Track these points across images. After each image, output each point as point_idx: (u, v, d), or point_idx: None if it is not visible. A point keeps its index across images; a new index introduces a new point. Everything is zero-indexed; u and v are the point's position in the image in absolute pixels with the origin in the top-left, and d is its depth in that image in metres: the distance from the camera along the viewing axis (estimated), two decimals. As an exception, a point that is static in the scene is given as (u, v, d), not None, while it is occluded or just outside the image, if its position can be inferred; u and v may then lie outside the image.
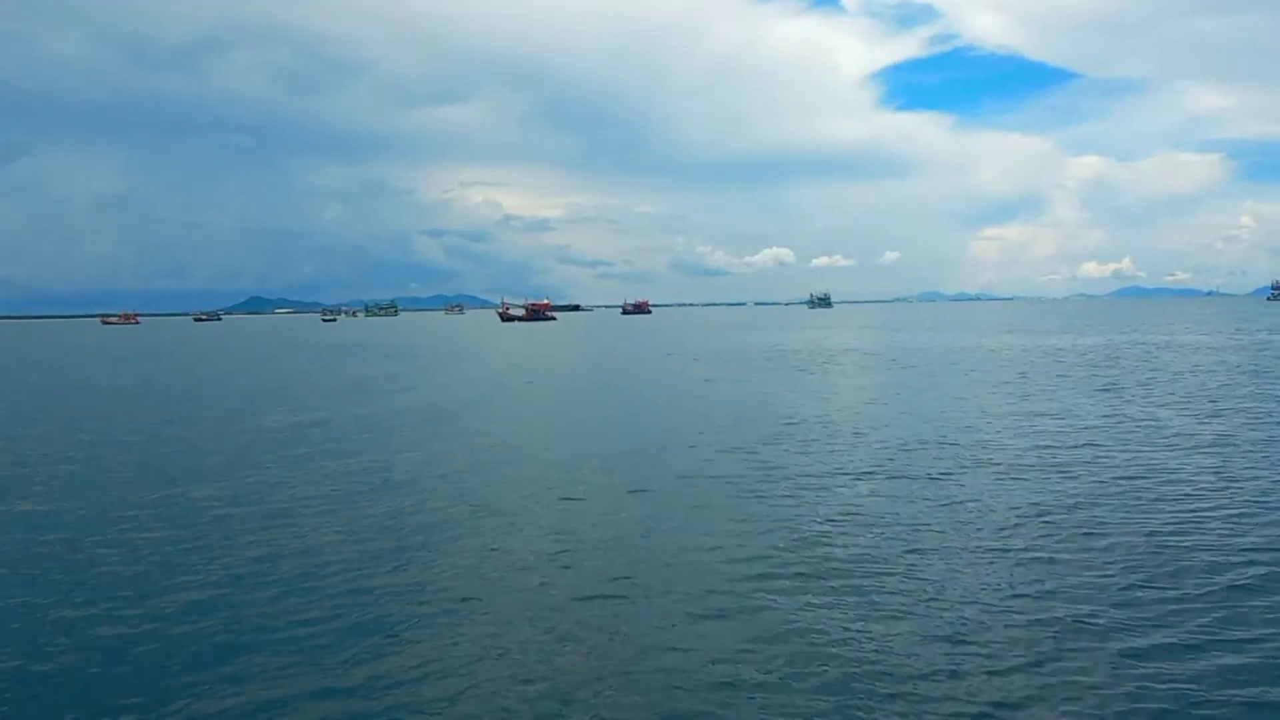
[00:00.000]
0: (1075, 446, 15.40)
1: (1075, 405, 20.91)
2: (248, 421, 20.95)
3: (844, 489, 12.11)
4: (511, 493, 12.67)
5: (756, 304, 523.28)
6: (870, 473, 13.29)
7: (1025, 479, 12.40)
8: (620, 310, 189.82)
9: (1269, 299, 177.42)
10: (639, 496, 12.11)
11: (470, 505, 11.68)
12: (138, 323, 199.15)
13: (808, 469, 13.43)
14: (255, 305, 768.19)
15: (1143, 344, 47.30)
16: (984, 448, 15.12)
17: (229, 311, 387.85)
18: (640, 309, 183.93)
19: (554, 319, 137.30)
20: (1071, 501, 11.00)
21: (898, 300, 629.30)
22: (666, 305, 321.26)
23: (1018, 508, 10.71)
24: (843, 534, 9.66)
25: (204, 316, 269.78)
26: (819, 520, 10.28)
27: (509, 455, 16.29)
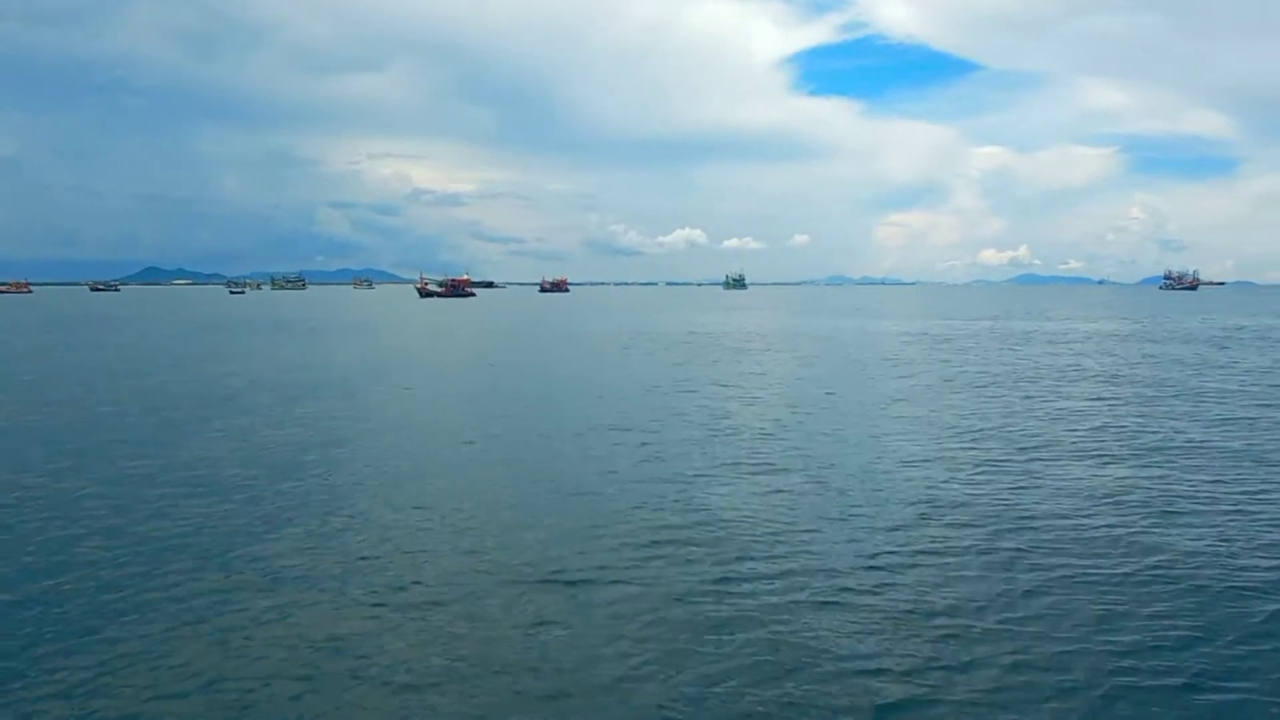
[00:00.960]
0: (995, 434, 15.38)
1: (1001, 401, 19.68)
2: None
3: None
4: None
5: (668, 284, 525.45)
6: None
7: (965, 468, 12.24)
8: (538, 288, 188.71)
9: (1161, 288, 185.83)
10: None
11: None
12: (29, 291, 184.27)
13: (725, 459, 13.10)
14: (152, 276, 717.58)
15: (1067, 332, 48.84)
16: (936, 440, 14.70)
17: (124, 282, 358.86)
18: (558, 287, 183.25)
19: (474, 295, 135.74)
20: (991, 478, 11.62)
21: (806, 283, 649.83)
22: (579, 284, 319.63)
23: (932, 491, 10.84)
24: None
25: (101, 286, 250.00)
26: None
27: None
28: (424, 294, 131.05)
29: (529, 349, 39.80)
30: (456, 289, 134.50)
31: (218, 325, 59.05)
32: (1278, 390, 21.55)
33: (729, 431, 15.93)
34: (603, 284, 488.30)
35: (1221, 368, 27.69)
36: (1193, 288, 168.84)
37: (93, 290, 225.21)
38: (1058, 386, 22.95)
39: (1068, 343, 40.50)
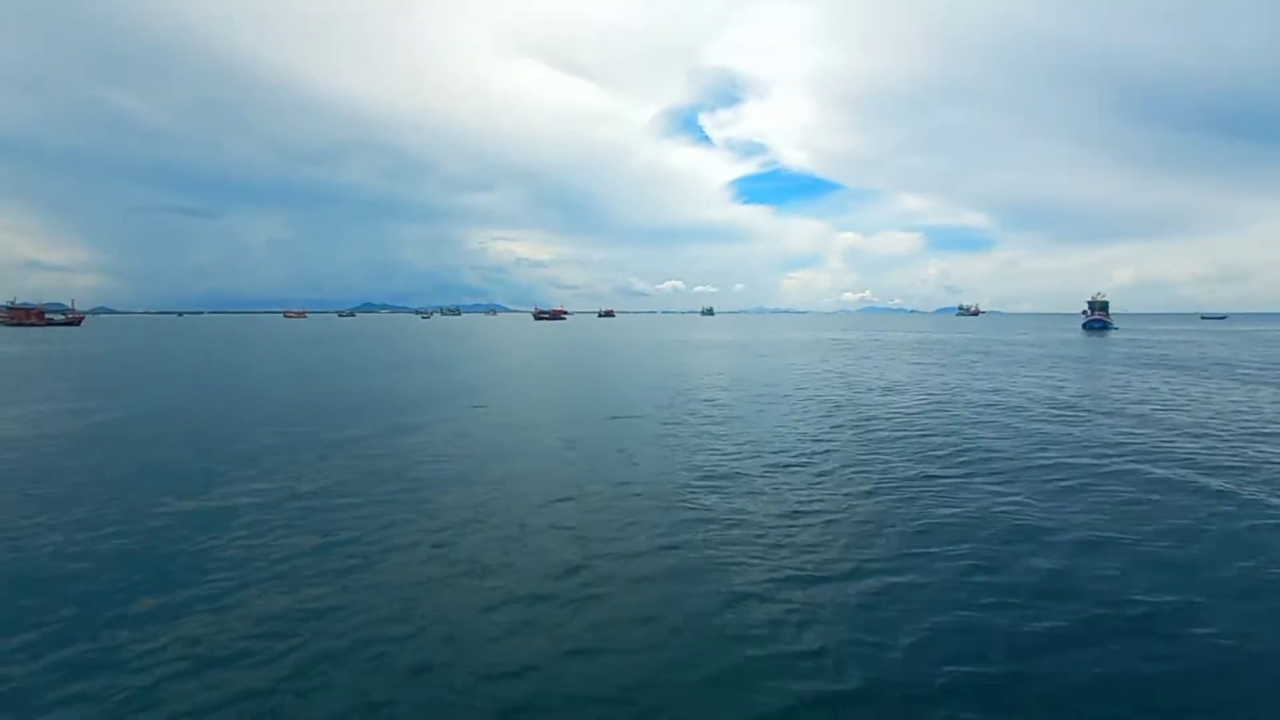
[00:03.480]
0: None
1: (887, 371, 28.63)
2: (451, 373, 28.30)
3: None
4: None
5: (664, 312, 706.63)
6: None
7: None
8: (597, 314, 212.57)
9: (958, 315, 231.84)
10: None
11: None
12: (305, 317, 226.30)
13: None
14: (367, 307, 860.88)
15: (896, 339, 69.74)
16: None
17: (352, 312, 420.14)
18: (609, 314, 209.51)
19: (565, 319, 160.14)
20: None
21: (741, 311, 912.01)
22: (623, 312, 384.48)
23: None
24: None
25: (345, 314, 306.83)
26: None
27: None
28: (537, 318, 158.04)
29: (629, 343, 52.39)
30: (556, 315, 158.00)
31: (432, 334, 77.68)
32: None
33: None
34: (626, 312, 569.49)
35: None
36: (976, 314, 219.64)
37: (339, 316, 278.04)
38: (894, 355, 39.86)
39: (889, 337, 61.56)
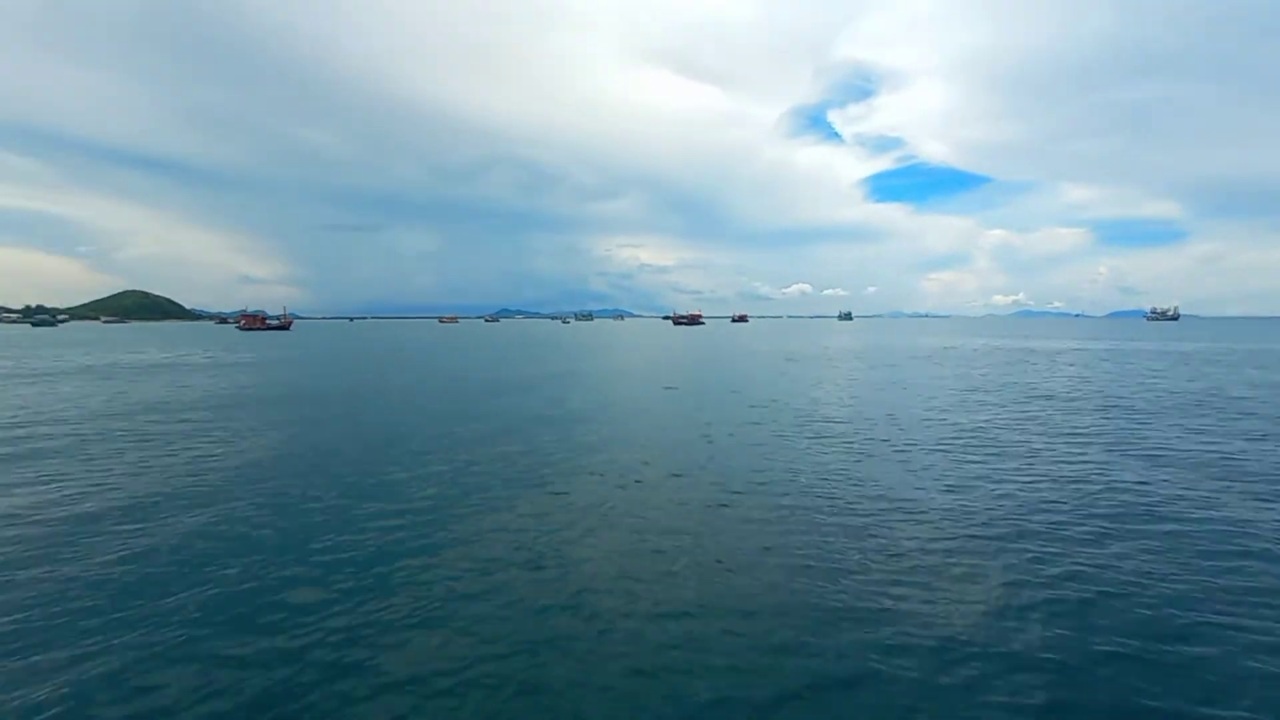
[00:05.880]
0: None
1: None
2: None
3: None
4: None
5: (790, 316, 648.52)
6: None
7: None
8: (730, 319, 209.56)
9: (1148, 319, 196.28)
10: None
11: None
12: (457, 322, 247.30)
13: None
14: (504, 313, 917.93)
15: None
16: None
17: (495, 317, 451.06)
18: (741, 319, 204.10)
19: (703, 324, 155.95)
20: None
21: (876, 315, 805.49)
22: (725, 317, 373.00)
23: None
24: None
25: (490, 319, 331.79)
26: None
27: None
28: (675, 323, 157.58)
29: (780, 347, 52.93)
30: (694, 320, 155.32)
31: (586, 339, 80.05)
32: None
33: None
34: (758, 317, 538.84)
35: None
36: (1175, 319, 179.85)
37: (485, 321, 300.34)
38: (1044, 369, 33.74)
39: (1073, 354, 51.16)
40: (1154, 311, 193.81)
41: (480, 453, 12.69)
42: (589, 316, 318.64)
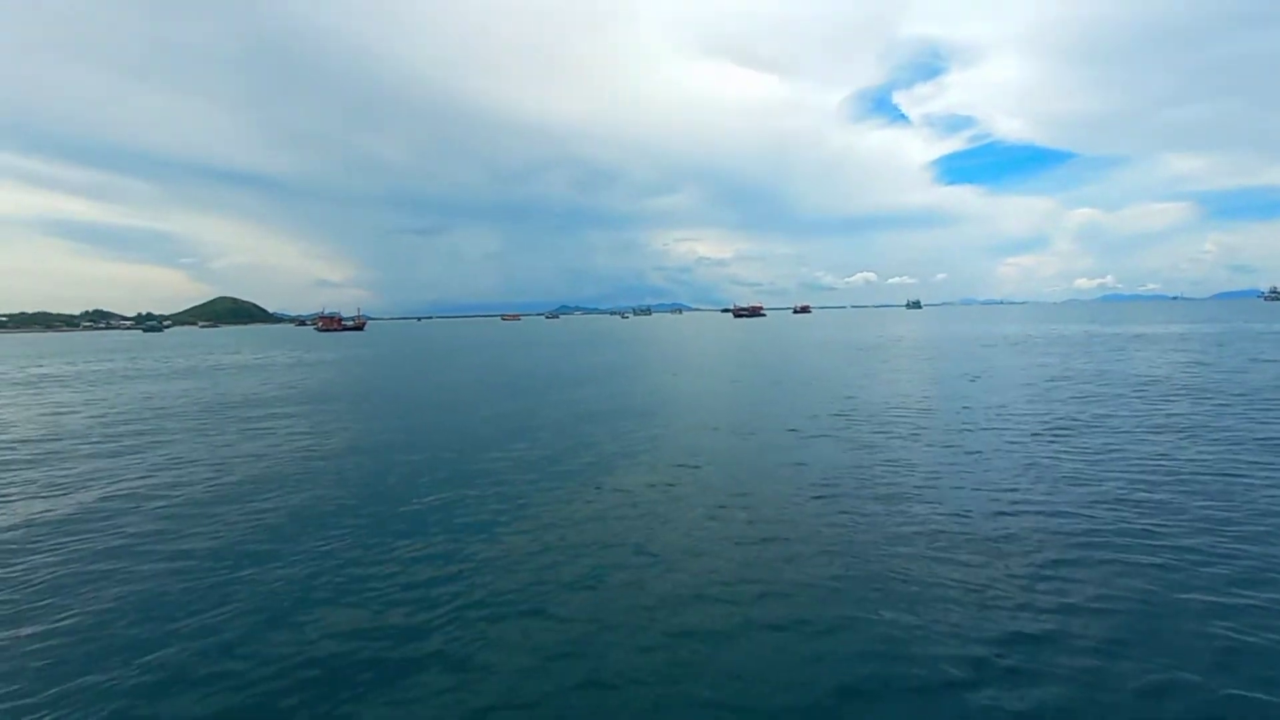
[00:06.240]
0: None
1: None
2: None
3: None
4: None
5: (854, 307, 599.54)
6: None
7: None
8: (791, 311, 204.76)
9: (1265, 299, 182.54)
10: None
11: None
12: (520, 320, 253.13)
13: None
14: (564, 310, 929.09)
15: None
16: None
17: (556, 314, 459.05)
18: (804, 310, 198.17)
19: (764, 316, 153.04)
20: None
21: (946, 304, 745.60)
22: (785, 308, 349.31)
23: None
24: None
25: (551, 316, 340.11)
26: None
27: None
28: (736, 315, 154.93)
29: (848, 340, 47.79)
30: (755, 311, 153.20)
31: (648, 334, 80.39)
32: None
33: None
34: (821, 307, 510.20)
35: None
36: None
37: (546, 319, 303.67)
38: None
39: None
40: (1273, 291, 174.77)
41: (559, 442, 13.11)
42: (647, 311, 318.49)
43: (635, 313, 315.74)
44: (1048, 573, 6.20)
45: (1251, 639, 4.93)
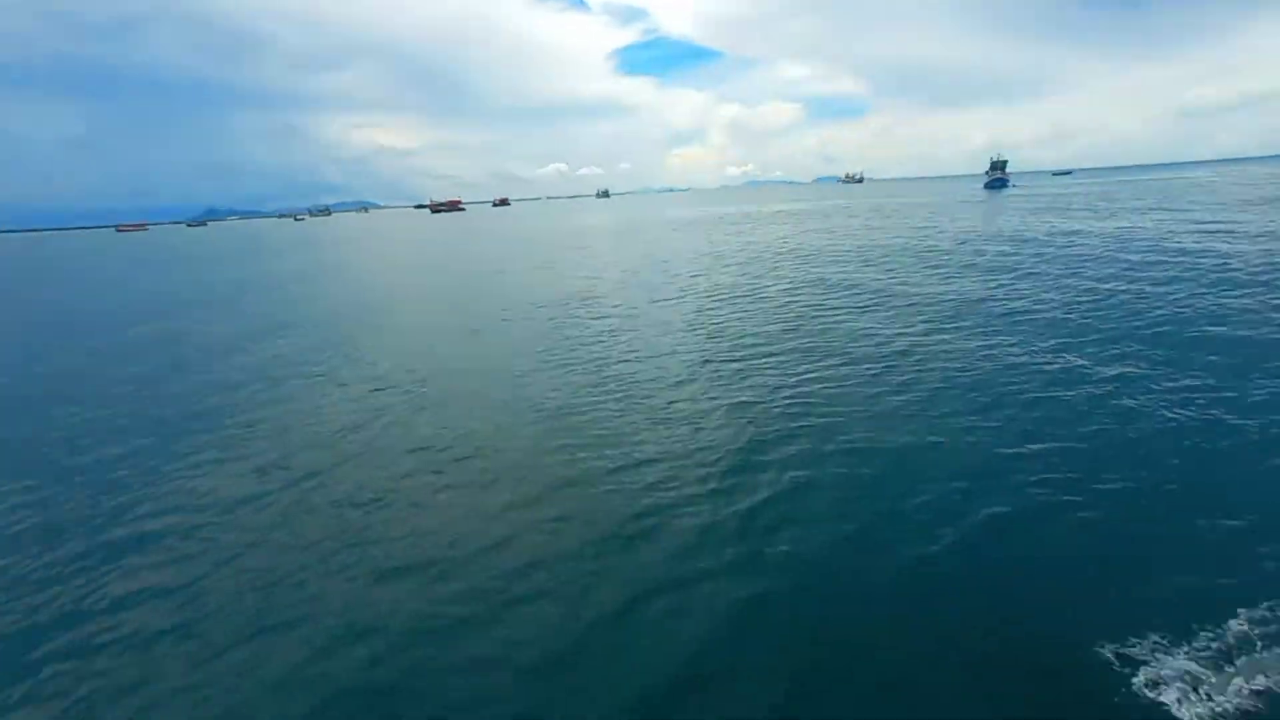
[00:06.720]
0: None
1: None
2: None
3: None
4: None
5: (548, 198, 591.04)
6: None
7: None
8: (491, 204, 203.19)
9: (841, 181, 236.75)
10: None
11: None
12: (146, 230, 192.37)
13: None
14: (213, 215, 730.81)
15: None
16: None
17: (203, 221, 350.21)
18: (503, 203, 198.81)
19: (464, 210, 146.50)
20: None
21: (629, 192, 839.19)
22: (484, 202, 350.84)
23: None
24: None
25: (195, 224, 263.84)
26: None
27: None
28: (434, 210, 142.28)
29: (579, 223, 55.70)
30: (454, 205, 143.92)
31: (340, 237, 69.58)
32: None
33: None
34: (519, 199, 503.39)
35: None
36: (860, 181, 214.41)
37: (189, 227, 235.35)
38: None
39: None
40: (847, 176, 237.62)
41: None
42: (326, 211, 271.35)
43: (312, 214, 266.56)
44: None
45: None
